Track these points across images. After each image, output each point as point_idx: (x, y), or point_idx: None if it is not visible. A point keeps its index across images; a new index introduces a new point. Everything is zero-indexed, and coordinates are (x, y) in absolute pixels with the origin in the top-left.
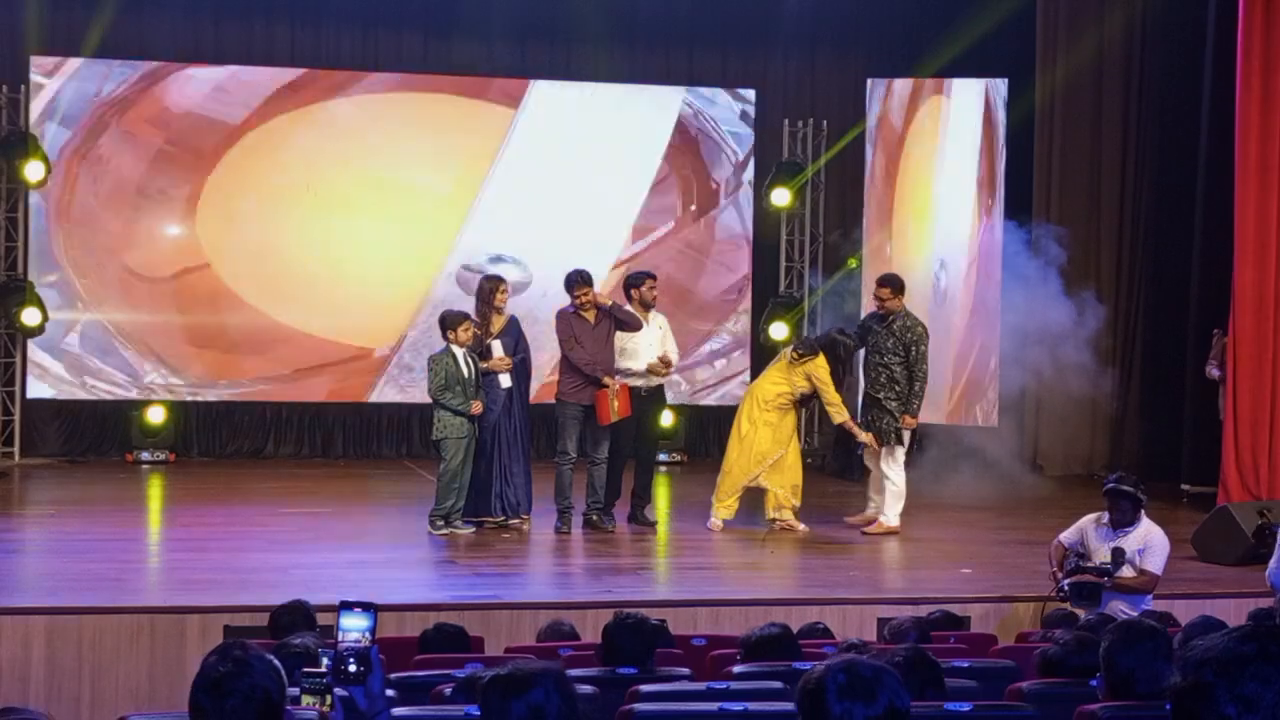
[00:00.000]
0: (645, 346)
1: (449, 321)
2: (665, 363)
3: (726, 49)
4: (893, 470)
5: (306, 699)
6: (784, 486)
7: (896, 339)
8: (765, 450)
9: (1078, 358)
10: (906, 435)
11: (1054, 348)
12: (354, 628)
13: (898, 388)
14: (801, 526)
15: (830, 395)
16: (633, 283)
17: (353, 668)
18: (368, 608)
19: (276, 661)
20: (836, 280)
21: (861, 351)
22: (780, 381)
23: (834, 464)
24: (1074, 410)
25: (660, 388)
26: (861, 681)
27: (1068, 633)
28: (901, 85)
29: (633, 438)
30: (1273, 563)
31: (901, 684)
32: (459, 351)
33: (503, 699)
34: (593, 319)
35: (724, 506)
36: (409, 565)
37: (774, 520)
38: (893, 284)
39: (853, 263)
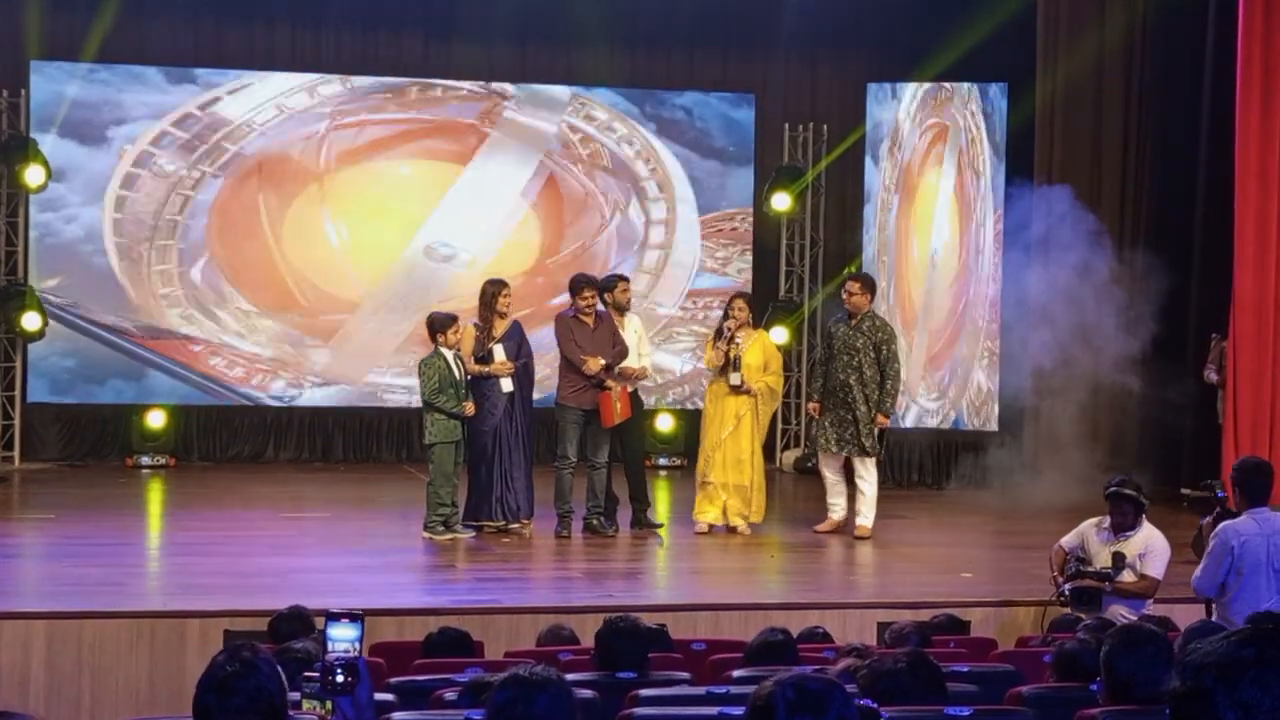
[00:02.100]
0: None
1: (438, 324)
2: (639, 375)
3: (727, 53)
4: (868, 474)
5: (307, 704)
6: (729, 481)
7: (866, 337)
8: (703, 436)
9: (1078, 361)
10: (873, 443)
11: (1054, 352)
12: (342, 638)
13: (867, 390)
14: (746, 529)
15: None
16: (605, 286)
17: (340, 678)
18: (355, 618)
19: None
20: (837, 285)
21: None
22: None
23: None
24: (1074, 414)
25: (635, 391)
26: (811, 696)
27: (1086, 632)
28: (902, 90)
29: (618, 444)
30: (1199, 570)
31: (849, 697)
32: (448, 353)
33: (509, 703)
34: (591, 322)
35: (698, 512)
36: (409, 569)
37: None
38: (865, 281)
39: (853, 268)
